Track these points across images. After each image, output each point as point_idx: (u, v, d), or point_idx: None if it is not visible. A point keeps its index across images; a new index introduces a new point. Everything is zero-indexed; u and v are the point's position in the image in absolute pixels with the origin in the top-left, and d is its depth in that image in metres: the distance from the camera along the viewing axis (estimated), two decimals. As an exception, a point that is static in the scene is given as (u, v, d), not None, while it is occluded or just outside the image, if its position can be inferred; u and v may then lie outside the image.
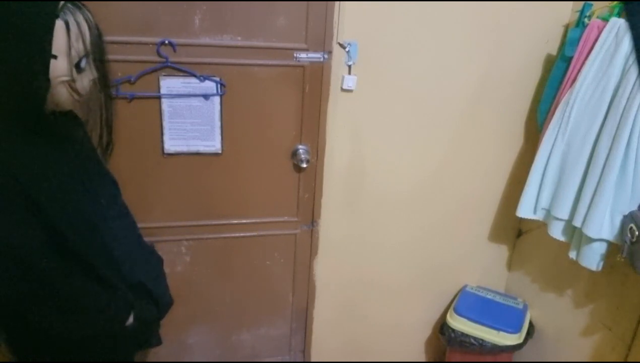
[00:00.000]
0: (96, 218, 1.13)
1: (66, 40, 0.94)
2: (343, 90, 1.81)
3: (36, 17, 0.89)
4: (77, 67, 0.99)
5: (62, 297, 1.04)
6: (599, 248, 1.58)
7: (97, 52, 1.04)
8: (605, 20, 1.58)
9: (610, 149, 1.51)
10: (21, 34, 0.89)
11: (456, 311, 2.07)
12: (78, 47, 0.97)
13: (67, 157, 1.08)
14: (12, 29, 0.88)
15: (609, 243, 1.57)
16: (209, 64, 1.65)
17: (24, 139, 0.97)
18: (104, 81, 1.10)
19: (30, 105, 0.95)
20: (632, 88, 1.45)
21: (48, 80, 0.94)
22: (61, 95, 0.99)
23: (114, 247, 1.18)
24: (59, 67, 0.95)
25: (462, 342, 2.02)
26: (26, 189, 0.93)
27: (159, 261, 1.46)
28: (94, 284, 1.10)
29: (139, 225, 1.42)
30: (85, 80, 1.03)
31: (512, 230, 2.22)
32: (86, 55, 1.00)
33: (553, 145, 1.71)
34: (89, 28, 0.99)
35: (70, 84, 0.99)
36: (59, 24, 0.93)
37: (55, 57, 0.93)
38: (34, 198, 0.94)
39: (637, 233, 1.43)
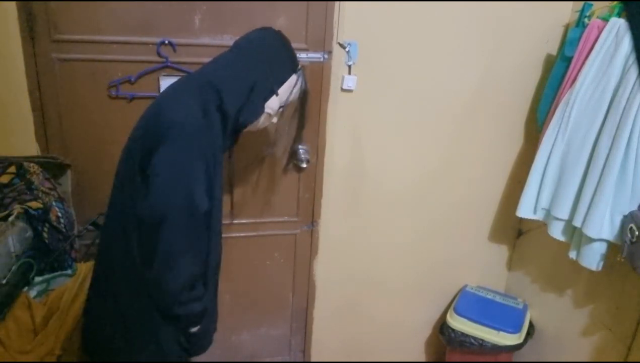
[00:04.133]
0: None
1: (289, 89, 1.27)
2: (343, 90, 1.81)
3: (288, 63, 1.26)
4: (281, 108, 1.29)
5: None
6: (599, 248, 1.58)
7: (301, 107, 1.36)
8: (605, 20, 1.58)
9: (610, 149, 1.51)
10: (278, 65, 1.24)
11: (456, 311, 2.06)
12: (290, 97, 1.28)
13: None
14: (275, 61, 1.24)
15: (609, 243, 1.57)
16: (209, 64, 1.64)
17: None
18: (301, 123, 1.42)
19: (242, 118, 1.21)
20: (632, 88, 1.45)
21: (263, 107, 1.24)
22: (261, 119, 1.27)
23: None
24: (272, 102, 1.24)
25: (462, 342, 2.01)
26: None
27: None
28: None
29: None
30: (277, 117, 1.33)
31: (512, 230, 2.22)
32: (286, 104, 1.30)
33: (553, 145, 1.71)
34: (303, 90, 1.32)
35: (270, 115, 1.28)
36: (293, 77, 1.26)
37: (276, 94, 1.24)
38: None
39: (637, 233, 1.43)
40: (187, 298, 1.14)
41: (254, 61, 1.20)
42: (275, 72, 1.22)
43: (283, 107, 1.28)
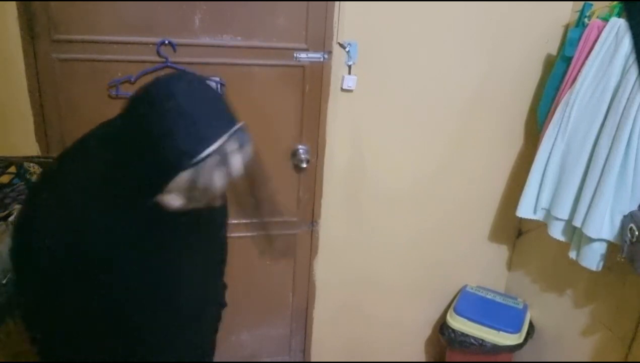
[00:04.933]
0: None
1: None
2: (343, 90, 1.81)
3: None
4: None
5: None
6: (599, 248, 1.58)
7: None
8: (605, 20, 1.58)
9: (610, 149, 1.51)
10: None
11: (456, 311, 2.06)
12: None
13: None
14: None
15: (609, 243, 1.57)
16: (209, 64, 1.65)
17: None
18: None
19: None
20: (632, 88, 1.45)
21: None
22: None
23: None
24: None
25: (462, 342, 2.01)
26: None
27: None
28: None
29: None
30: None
31: (512, 230, 2.22)
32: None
33: (553, 145, 1.71)
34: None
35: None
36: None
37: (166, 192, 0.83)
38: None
39: (637, 233, 1.43)
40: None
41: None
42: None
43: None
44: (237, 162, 0.76)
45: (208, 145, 0.72)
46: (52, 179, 0.91)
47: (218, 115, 0.76)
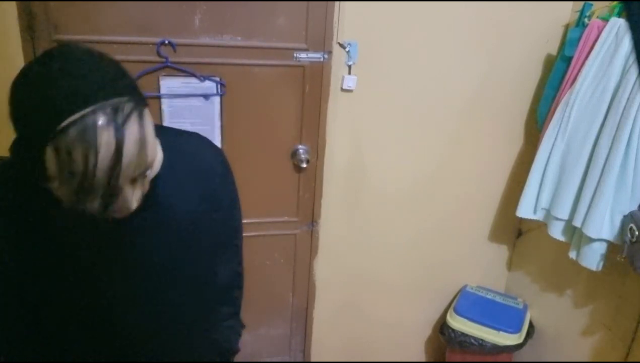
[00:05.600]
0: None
1: None
2: (343, 90, 1.81)
3: None
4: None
5: None
6: (599, 248, 1.58)
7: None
8: (605, 20, 1.58)
9: (610, 149, 1.51)
10: None
11: (456, 311, 2.06)
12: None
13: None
14: None
15: (609, 243, 1.57)
16: (209, 64, 1.65)
17: None
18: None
19: None
20: (632, 88, 1.45)
21: None
22: None
23: None
24: None
25: (462, 342, 2.01)
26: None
27: None
28: None
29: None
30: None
31: (512, 230, 2.22)
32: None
33: (553, 145, 1.71)
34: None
35: None
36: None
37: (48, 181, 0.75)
38: None
39: (637, 233, 1.43)
40: None
41: None
42: None
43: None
44: (107, 139, 0.64)
45: (68, 114, 0.63)
46: None
47: (87, 87, 0.65)
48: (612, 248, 1.56)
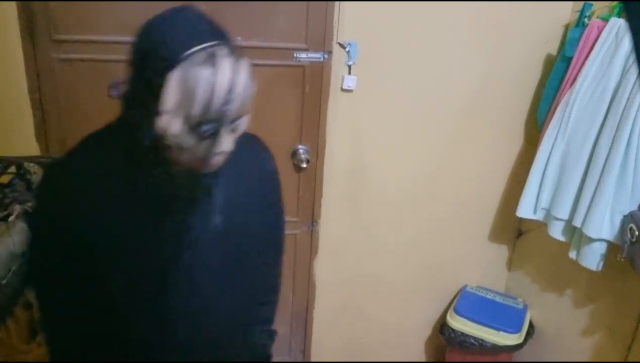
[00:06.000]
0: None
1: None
2: (343, 90, 1.81)
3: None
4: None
5: None
6: (599, 248, 1.58)
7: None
8: (605, 20, 1.58)
9: (610, 149, 1.51)
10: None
11: (456, 311, 2.06)
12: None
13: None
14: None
15: (609, 243, 1.57)
16: (209, 64, 1.64)
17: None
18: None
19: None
20: (632, 88, 1.45)
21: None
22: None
23: None
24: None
25: (462, 342, 2.01)
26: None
27: None
28: None
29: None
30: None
31: (512, 230, 2.22)
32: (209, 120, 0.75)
33: (553, 145, 1.71)
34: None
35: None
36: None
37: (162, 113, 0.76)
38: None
39: (637, 233, 1.43)
40: None
41: None
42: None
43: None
44: (227, 67, 0.74)
45: (193, 45, 0.74)
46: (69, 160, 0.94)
47: (207, 27, 0.78)
48: (612, 248, 1.56)
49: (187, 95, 0.73)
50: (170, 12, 0.80)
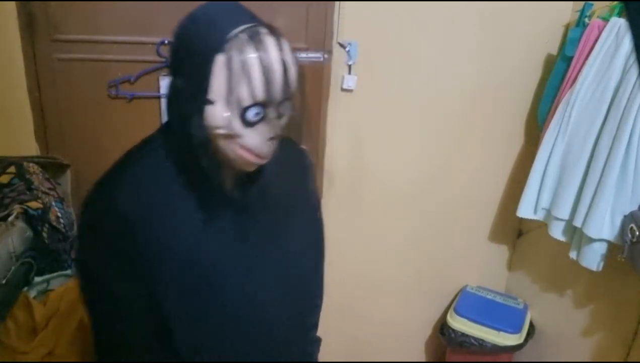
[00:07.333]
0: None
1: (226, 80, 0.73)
2: (343, 90, 1.80)
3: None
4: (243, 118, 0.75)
5: None
6: (599, 248, 1.58)
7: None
8: (606, 20, 1.58)
9: (610, 149, 1.51)
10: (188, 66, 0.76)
11: (456, 311, 2.06)
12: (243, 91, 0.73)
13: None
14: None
15: (609, 243, 1.57)
16: (209, 63, 1.64)
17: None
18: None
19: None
20: (633, 88, 1.45)
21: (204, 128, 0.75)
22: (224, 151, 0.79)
23: None
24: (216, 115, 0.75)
25: (462, 342, 2.01)
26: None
27: None
28: None
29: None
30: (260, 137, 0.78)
31: (512, 230, 2.22)
32: (263, 103, 0.75)
33: (553, 145, 1.71)
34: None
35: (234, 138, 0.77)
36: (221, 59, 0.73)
37: (211, 102, 0.75)
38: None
39: (637, 233, 1.43)
40: None
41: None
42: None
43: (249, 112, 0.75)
44: (272, 45, 0.75)
45: (235, 26, 0.74)
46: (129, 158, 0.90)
47: (244, 10, 0.80)
48: (613, 248, 1.56)
49: (235, 77, 0.73)
50: (205, 4, 0.81)
